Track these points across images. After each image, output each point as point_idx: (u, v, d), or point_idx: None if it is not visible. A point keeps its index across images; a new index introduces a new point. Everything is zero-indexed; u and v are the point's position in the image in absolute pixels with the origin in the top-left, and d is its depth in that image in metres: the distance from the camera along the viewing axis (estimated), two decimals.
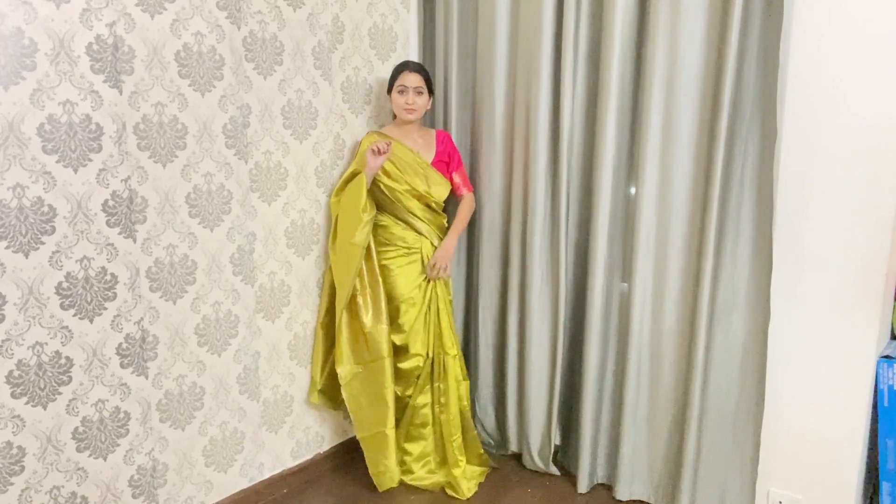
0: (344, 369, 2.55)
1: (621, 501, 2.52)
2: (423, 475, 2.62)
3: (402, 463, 2.63)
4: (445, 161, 2.64)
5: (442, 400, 2.60)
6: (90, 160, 1.88)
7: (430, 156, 2.60)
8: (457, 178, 2.67)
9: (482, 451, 2.73)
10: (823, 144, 2.06)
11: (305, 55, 2.47)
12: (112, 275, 1.98)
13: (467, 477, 2.59)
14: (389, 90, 2.57)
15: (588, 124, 2.49)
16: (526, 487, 2.65)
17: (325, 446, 2.80)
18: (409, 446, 2.65)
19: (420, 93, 2.53)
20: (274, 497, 2.56)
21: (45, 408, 1.87)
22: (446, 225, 2.67)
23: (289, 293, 2.54)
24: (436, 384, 2.61)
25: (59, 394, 1.90)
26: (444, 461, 2.64)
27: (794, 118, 2.09)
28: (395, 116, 2.63)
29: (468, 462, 2.65)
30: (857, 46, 1.97)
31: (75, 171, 1.85)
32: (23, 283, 1.78)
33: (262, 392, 2.49)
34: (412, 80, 2.52)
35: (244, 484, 2.48)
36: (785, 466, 2.25)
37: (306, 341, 2.64)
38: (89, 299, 1.93)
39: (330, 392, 2.67)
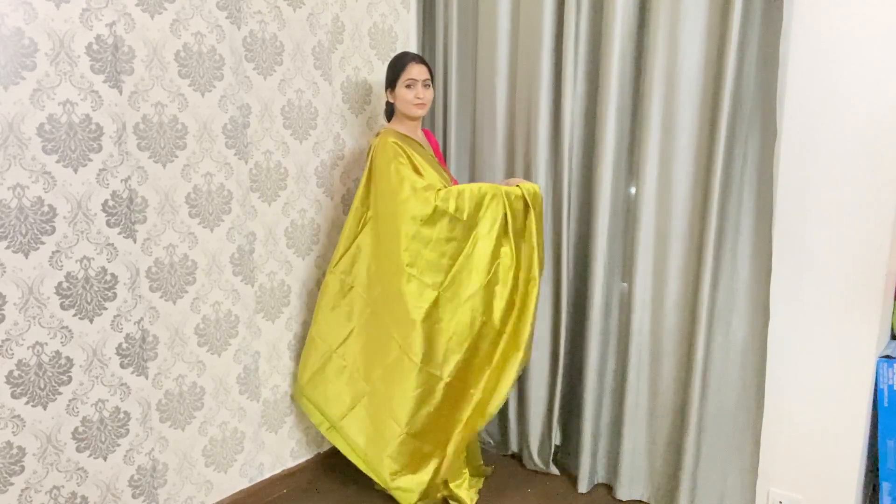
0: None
1: (621, 501, 2.52)
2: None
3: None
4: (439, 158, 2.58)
5: None
6: (90, 160, 1.89)
7: (431, 154, 2.53)
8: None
9: (480, 461, 2.66)
10: (823, 144, 2.06)
11: (305, 55, 2.47)
12: (112, 275, 1.98)
13: (467, 486, 2.50)
14: (392, 85, 2.37)
15: (588, 124, 2.49)
16: (526, 487, 2.64)
17: (326, 446, 2.80)
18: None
19: (427, 86, 2.36)
20: (274, 497, 2.56)
21: (45, 408, 1.87)
22: None
23: (289, 293, 2.54)
24: None
25: (59, 394, 1.90)
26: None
27: (794, 118, 2.09)
28: (389, 115, 2.50)
29: (470, 474, 2.54)
30: (858, 45, 1.97)
31: (75, 171, 1.86)
32: (23, 283, 1.79)
33: (262, 392, 2.50)
34: (420, 72, 2.34)
35: (244, 484, 2.48)
36: (785, 466, 2.25)
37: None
38: (89, 299, 1.93)
39: (326, 412, 2.45)
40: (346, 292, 2.45)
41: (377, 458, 2.34)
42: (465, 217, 2.26)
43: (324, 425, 2.49)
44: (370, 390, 2.38)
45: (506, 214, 2.30)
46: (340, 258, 2.44)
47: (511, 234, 2.32)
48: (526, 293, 2.34)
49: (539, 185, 2.43)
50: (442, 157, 2.62)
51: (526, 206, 2.33)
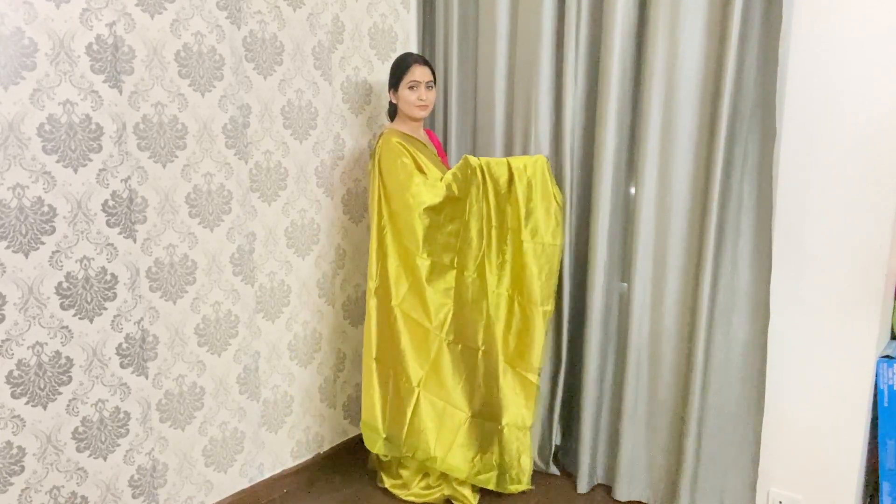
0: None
1: (620, 502, 2.52)
2: (420, 491, 2.51)
3: (397, 476, 2.55)
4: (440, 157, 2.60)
5: None
6: (90, 160, 1.89)
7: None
8: None
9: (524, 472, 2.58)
10: (823, 144, 2.06)
11: (305, 55, 2.47)
12: (112, 275, 1.98)
13: (471, 489, 2.47)
14: (395, 86, 2.41)
15: (588, 124, 2.49)
16: None
17: (325, 446, 2.80)
18: (405, 460, 2.51)
19: (430, 87, 2.41)
20: (274, 497, 2.56)
21: (45, 408, 1.87)
22: None
23: (289, 293, 2.54)
24: None
25: (59, 394, 1.90)
26: (444, 473, 2.48)
27: (794, 118, 2.09)
28: (392, 116, 2.54)
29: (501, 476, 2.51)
30: (857, 46, 1.97)
31: (75, 171, 1.86)
32: (23, 283, 1.79)
33: (262, 392, 2.50)
34: (423, 74, 2.37)
35: (244, 484, 2.48)
36: (785, 466, 2.25)
37: (306, 341, 2.64)
38: (89, 299, 1.93)
39: (394, 436, 2.39)
40: (388, 304, 2.39)
41: (451, 454, 2.37)
42: (462, 194, 2.37)
43: (392, 452, 2.43)
44: (420, 392, 2.36)
45: (483, 174, 2.39)
46: (377, 273, 2.39)
47: (492, 196, 2.42)
48: (517, 250, 2.43)
49: (543, 156, 2.46)
50: (445, 156, 2.64)
51: (510, 172, 2.41)
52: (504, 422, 2.42)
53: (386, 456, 2.48)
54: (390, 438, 2.40)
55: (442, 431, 2.37)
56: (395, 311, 2.36)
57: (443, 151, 2.64)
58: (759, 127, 2.12)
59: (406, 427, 2.35)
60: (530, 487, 2.53)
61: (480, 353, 2.41)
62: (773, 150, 2.09)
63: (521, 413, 2.45)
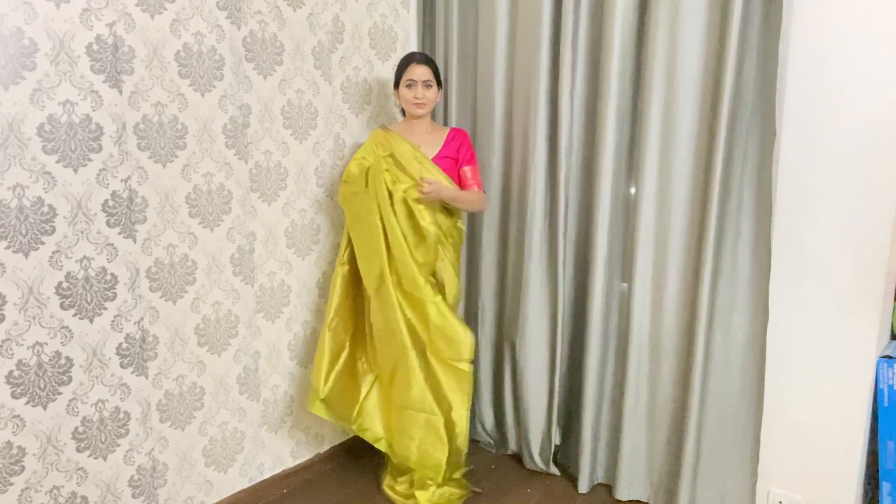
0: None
1: (621, 501, 2.52)
2: (404, 491, 2.51)
3: (391, 472, 2.58)
4: (453, 158, 2.49)
5: None
6: (90, 160, 1.89)
7: (432, 151, 2.45)
8: (468, 173, 2.48)
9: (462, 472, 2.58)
10: (823, 144, 2.06)
11: (305, 55, 2.47)
12: (112, 275, 1.98)
13: (434, 500, 2.43)
14: (396, 85, 2.43)
15: (588, 124, 2.49)
16: (526, 487, 2.64)
17: (325, 446, 2.80)
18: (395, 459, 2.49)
19: (429, 86, 2.39)
20: (274, 497, 2.57)
21: (45, 408, 1.87)
22: (462, 230, 2.55)
23: (289, 293, 2.54)
24: None
25: (59, 394, 1.90)
26: (425, 480, 2.42)
27: (794, 118, 2.09)
28: (403, 112, 2.55)
29: (440, 486, 2.45)
30: (857, 45, 1.97)
31: (75, 171, 1.86)
32: (23, 283, 1.79)
33: (262, 392, 2.50)
34: (420, 72, 2.38)
35: (244, 484, 2.48)
36: (785, 466, 2.25)
37: (306, 341, 2.64)
38: (89, 299, 1.93)
39: (336, 403, 2.46)
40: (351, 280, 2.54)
41: (397, 442, 2.39)
42: (361, 188, 2.39)
43: (330, 418, 2.52)
44: (378, 376, 2.48)
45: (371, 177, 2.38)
46: (344, 250, 2.52)
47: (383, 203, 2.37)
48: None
49: (406, 188, 2.38)
50: (453, 158, 2.50)
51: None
52: (444, 410, 2.39)
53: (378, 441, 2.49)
54: (329, 403, 2.45)
55: (388, 419, 2.43)
56: (367, 298, 2.48)
57: (466, 151, 2.51)
58: (758, 127, 2.12)
59: (358, 406, 2.45)
60: (470, 467, 2.62)
61: (409, 350, 2.37)
62: (772, 150, 2.09)
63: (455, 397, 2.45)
